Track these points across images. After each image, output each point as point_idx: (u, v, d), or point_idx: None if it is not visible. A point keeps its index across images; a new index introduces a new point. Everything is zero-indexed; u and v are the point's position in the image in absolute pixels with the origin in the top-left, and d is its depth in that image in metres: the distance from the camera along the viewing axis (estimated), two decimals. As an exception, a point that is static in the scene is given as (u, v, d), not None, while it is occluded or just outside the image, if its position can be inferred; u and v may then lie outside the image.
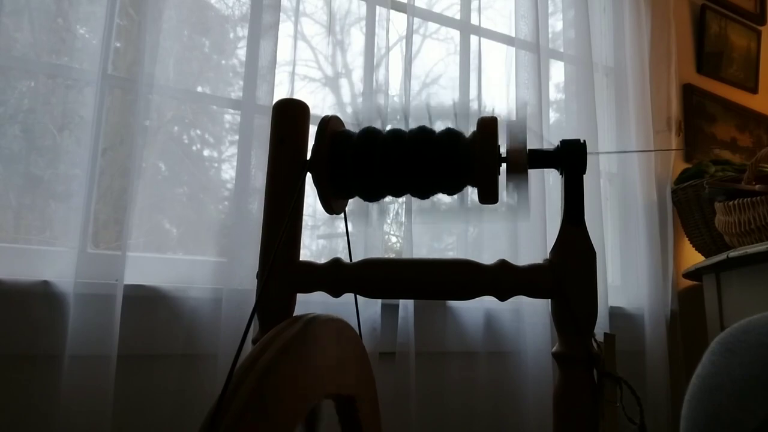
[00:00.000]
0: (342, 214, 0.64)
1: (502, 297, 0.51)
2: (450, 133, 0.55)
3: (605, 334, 0.51)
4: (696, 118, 1.84)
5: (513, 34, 1.43)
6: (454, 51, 1.46)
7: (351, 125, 0.76)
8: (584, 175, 0.52)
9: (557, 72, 1.57)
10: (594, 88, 1.48)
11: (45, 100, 0.98)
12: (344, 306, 0.85)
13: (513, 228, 1.34)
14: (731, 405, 0.47)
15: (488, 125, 0.51)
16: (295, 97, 1.06)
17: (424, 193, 0.57)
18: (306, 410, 0.40)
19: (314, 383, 0.42)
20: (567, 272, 0.49)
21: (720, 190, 1.30)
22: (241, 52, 1.17)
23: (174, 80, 1.08)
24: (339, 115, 0.60)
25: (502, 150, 0.52)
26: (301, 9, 1.23)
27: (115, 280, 0.92)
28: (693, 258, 1.61)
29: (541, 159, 0.53)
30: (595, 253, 0.50)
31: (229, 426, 0.32)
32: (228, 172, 1.17)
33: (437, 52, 1.49)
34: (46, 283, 0.90)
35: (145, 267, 1.01)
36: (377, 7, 1.29)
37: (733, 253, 1.19)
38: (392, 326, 1.15)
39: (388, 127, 0.56)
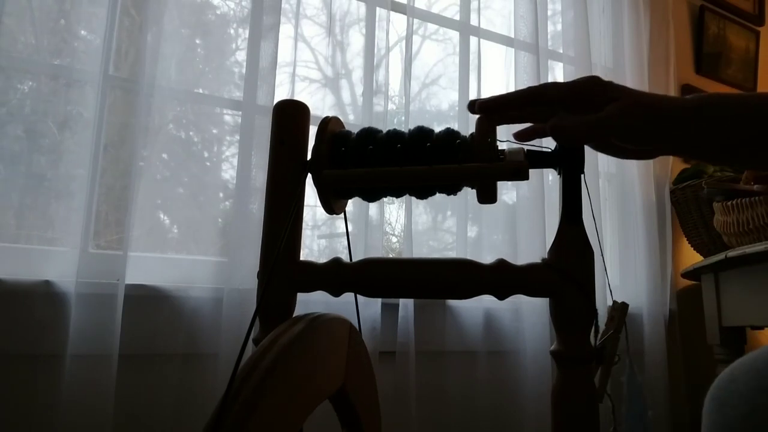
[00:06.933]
0: (342, 214, 0.64)
1: (501, 296, 0.52)
2: (448, 134, 0.55)
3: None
4: (695, 119, 1.84)
5: (512, 35, 1.43)
6: (453, 52, 1.47)
7: (351, 126, 0.77)
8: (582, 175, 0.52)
9: (556, 73, 1.57)
10: (593, 88, 1.48)
11: (46, 101, 0.98)
12: (345, 305, 0.86)
13: (512, 228, 1.34)
14: None
15: (486, 125, 0.52)
16: (295, 97, 1.07)
17: (422, 194, 0.58)
18: (310, 410, 0.40)
19: (318, 383, 0.43)
20: (565, 271, 0.50)
21: (718, 191, 1.30)
22: (242, 54, 1.18)
23: (175, 81, 1.08)
24: (339, 115, 0.61)
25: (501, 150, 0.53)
26: (301, 11, 1.23)
27: (116, 280, 0.93)
28: (691, 258, 1.62)
29: (540, 159, 0.53)
30: (593, 252, 0.51)
31: (233, 426, 0.33)
32: (228, 172, 1.17)
33: (437, 53, 1.49)
34: (47, 282, 0.91)
35: (147, 267, 1.02)
36: (377, 8, 1.29)
37: (731, 253, 1.19)
38: (392, 325, 1.16)
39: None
